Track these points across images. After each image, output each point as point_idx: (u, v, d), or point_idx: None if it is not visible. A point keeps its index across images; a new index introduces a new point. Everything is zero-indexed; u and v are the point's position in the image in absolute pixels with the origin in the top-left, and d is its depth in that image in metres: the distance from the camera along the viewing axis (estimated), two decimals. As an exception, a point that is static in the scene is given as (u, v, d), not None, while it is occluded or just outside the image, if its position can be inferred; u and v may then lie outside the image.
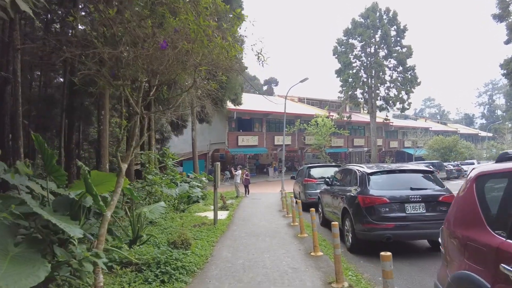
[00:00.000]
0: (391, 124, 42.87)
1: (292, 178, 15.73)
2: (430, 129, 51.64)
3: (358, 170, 6.58)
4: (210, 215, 11.46)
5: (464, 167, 33.48)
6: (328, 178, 8.58)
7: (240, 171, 18.39)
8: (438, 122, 68.16)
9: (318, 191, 11.73)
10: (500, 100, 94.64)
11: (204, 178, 19.56)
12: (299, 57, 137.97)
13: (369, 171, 6.19)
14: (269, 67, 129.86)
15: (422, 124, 54.95)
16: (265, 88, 60.96)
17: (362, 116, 44.66)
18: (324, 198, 8.59)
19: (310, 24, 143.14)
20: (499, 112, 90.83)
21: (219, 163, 9.26)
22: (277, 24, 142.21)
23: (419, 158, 43.10)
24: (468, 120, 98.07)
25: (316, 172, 12.31)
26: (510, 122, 64.45)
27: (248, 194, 18.12)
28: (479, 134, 67.35)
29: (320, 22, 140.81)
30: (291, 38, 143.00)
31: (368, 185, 5.95)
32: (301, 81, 20.18)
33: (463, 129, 67.92)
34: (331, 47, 29.52)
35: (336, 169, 12.32)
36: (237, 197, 17.61)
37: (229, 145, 28.21)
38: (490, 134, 68.44)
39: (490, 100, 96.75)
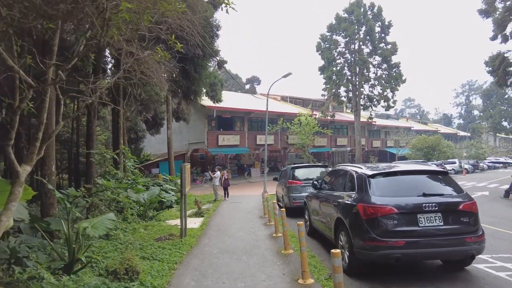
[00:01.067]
0: (374, 123, 42.47)
1: (275, 179, 14.46)
2: (412, 128, 51.78)
3: (355, 171, 5.32)
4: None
5: (447, 166, 33.39)
6: (316, 180, 7.31)
7: (219, 173, 16.95)
8: (419, 122, 68.85)
9: (304, 194, 10.50)
10: (477, 101, 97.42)
11: (179, 180, 18.04)
12: (281, 55, 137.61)
13: (369, 172, 4.94)
14: (251, 66, 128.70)
15: (404, 124, 55.12)
16: (247, 86, 59.65)
17: (345, 116, 44.08)
18: (312, 204, 7.33)
19: (293, 21, 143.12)
20: (475, 112, 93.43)
21: (188, 164, 7.79)
22: (259, 21, 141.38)
23: (402, 158, 42.91)
24: (447, 120, 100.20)
25: (301, 173, 11.06)
26: (487, 122, 65.97)
27: (227, 197, 16.71)
28: (458, 134, 68.49)
29: (303, 19, 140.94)
30: (274, 36, 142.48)
31: (369, 190, 4.69)
32: (284, 76, 18.97)
33: (443, 129, 68.92)
34: (314, 45, 28.62)
35: (323, 169, 11.15)
36: (215, 200, 16.18)
37: (209, 144, 26.68)
38: (469, 134, 69.87)
39: (467, 101, 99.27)
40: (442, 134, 57.67)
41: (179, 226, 9.81)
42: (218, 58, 12.61)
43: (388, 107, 28.29)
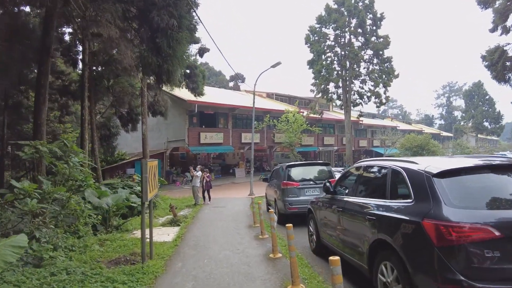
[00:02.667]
0: (360, 122, 41.38)
1: (265, 180, 12.54)
2: (397, 128, 51.20)
3: (404, 168, 3.46)
4: (158, 235, 8.08)
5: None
6: (327, 181, 5.43)
7: (200, 172, 14.87)
8: (403, 122, 68.84)
9: (303, 198, 8.66)
10: (457, 102, 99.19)
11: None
12: (267, 53, 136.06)
13: (433, 169, 3.09)
14: (235, 63, 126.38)
15: (389, 123, 54.56)
16: (231, 84, 57.58)
17: (332, 114, 42.79)
18: (322, 214, 5.47)
19: (279, 16, 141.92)
20: (456, 113, 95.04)
21: (153, 160, 5.64)
22: (245, 16, 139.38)
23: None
24: (428, 120, 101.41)
25: (297, 172, 9.20)
26: (469, 122, 66.61)
27: (209, 201, 14.68)
28: (441, 134, 68.84)
29: (289, 14, 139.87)
30: (259, 32, 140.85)
31: (441, 198, 2.85)
32: (273, 66, 17.14)
33: (427, 129, 69.14)
34: (301, 42, 27.06)
35: (324, 168, 9.34)
36: (195, 205, 14.13)
37: (190, 142, 24.45)
38: (451, 134, 70.43)
39: (447, 102, 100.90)
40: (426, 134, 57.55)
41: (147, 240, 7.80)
42: (197, 34, 10.58)
43: (380, 104, 26.94)
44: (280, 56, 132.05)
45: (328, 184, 5.23)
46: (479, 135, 67.15)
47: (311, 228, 6.23)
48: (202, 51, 18.62)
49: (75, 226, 7.19)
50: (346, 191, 4.82)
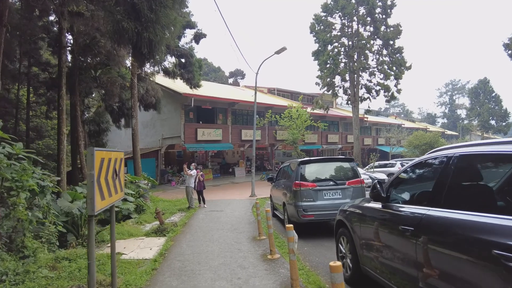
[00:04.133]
0: (366, 119, 39.64)
1: (270, 180, 10.74)
2: (402, 125, 49.47)
3: None
4: (138, 248, 6.32)
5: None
6: (379, 182, 3.56)
7: (195, 171, 13.04)
8: (407, 120, 67.11)
9: (320, 203, 6.86)
10: (460, 100, 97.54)
11: (144, 182, 14.02)
12: (268, 48, 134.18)
13: None
14: (233, 58, 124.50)
15: (394, 121, 52.82)
16: (230, 80, 55.70)
17: (336, 111, 41.01)
18: (367, 232, 3.65)
19: (281, 10, 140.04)
20: (459, 112, 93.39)
21: (96, 150, 3.53)
22: (245, 9, 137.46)
23: (396, 156, 40.39)
24: (431, 119, 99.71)
25: (313, 170, 7.35)
26: (474, 120, 64.81)
27: (204, 204, 12.86)
28: (446, 133, 67.09)
29: (292, 7, 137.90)
30: (259, 26, 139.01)
31: None
32: (277, 52, 15.30)
33: (431, 127, 67.43)
34: (304, 39, 25.15)
35: (346, 165, 7.53)
36: (189, 208, 12.33)
37: (186, 139, 22.59)
38: (456, 133, 68.72)
39: (450, 100, 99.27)
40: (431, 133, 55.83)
41: (128, 257, 6.02)
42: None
43: (391, 98, 25.00)
44: (283, 55, 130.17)
45: (379, 186, 3.39)
46: (484, 134, 65.37)
47: (342, 248, 4.41)
48: (198, 37, 16.81)
49: (20, 241, 5.37)
50: (417, 199, 2.99)
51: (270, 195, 10.71)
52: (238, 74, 56.96)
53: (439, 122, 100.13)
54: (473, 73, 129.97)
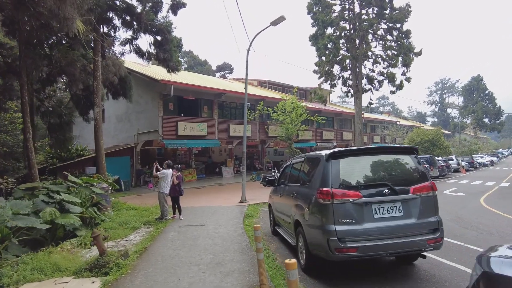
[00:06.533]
0: (362, 116, 37.11)
1: (269, 183, 7.69)
2: (398, 123, 47.34)
3: None
4: None
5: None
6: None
7: (171, 171, 9.90)
8: (401, 118, 65.32)
9: (369, 226, 3.79)
10: (450, 99, 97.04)
11: (103, 186, 10.77)
12: (260, 42, 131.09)
13: None
14: (222, 52, 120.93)
15: (389, 118, 50.73)
16: (218, 75, 52.41)
17: (331, 106, 38.38)
18: None
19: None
20: (449, 111, 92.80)
21: None
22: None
23: (394, 154, 38.09)
24: (421, 118, 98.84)
25: (353, 169, 4.31)
26: (468, 118, 63.44)
27: (180, 215, 9.71)
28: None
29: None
30: (252, 17, 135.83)
31: None
32: (273, 23, 12.30)
33: (425, 126, 65.84)
34: (301, 36, 22.25)
35: (406, 159, 4.51)
36: (161, 219, 9.21)
37: (165, 134, 19.32)
38: (448, 132, 67.34)
39: (440, 99, 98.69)
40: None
41: None
42: None
43: (398, 88, 22.28)
44: (278, 49, 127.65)
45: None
46: (478, 132, 64.11)
47: None
48: (175, 7, 13.64)
49: None
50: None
51: (269, 205, 7.65)
52: (226, 68, 53.67)
53: (429, 121, 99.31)
54: (463, 72, 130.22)
